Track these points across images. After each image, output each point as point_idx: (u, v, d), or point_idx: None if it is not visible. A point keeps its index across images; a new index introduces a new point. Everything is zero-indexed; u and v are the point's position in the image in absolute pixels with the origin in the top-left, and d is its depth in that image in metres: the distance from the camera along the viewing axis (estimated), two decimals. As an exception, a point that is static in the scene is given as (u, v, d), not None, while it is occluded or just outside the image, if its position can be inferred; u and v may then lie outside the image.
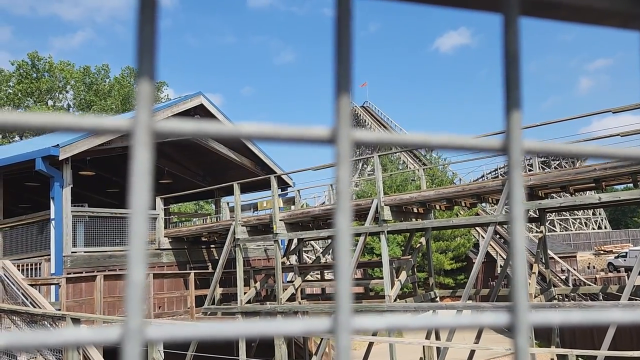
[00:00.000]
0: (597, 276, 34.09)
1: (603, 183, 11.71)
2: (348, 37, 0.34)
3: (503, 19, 0.41)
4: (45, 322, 10.95)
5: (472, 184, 15.60)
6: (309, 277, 16.48)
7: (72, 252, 14.66)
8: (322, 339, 13.67)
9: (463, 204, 14.73)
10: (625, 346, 13.12)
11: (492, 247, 32.12)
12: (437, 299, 15.18)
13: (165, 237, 17.39)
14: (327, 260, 17.59)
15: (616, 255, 40.15)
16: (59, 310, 12.06)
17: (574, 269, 34.24)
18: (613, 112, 10.42)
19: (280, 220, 14.59)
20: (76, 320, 9.92)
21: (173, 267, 17.34)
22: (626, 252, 37.93)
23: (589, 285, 27.74)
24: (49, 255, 14.50)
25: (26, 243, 15.56)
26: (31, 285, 12.86)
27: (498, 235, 32.89)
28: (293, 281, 15.08)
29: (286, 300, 14.32)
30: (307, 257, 30.94)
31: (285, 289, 14.51)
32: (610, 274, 35.26)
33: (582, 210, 52.90)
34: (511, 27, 0.40)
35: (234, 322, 0.32)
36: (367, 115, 75.79)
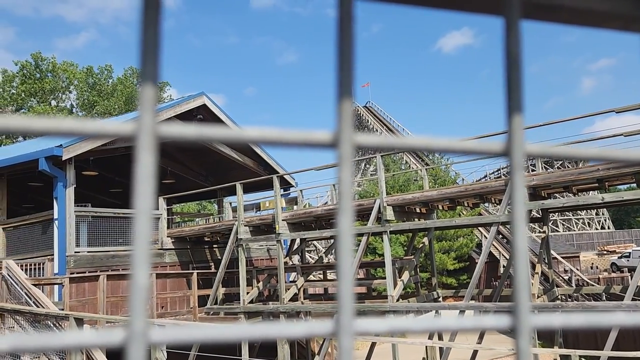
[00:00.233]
0: (600, 276, 34.00)
1: (606, 183, 11.68)
2: (350, 45, 0.34)
3: (504, 22, 0.41)
4: (49, 322, 10.99)
5: (475, 184, 15.58)
6: (311, 277, 16.48)
7: (75, 252, 14.69)
8: (324, 339, 13.67)
9: (466, 204, 14.71)
10: (628, 346, 13.08)
11: (495, 247, 32.07)
12: (440, 299, 15.17)
13: (168, 237, 17.42)
14: (330, 260, 17.60)
15: (619, 255, 40.04)
16: (62, 310, 12.09)
17: (577, 269, 34.17)
18: (616, 112, 10.39)
19: (282, 220, 14.60)
20: (79, 320, 9.95)
21: (176, 267, 17.36)
22: (629, 252, 37.84)
23: (592, 285, 27.68)
24: (52, 255, 14.54)
25: (29, 243, 15.61)
26: (34, 285, 12.89)
27: (501, 235, 32.83)
28: (295, 281, 15.08)
29: (289, 300, 14.32)
30: (310, 257, 30.93)
31: (288, 289, 14.51)
32: (613, 274, 35.17)
33: (585, 211, 52.77)
34: (512, 30, 0.40)
35: (238, 324, 0.32)
36: (370, 115, 75.75)
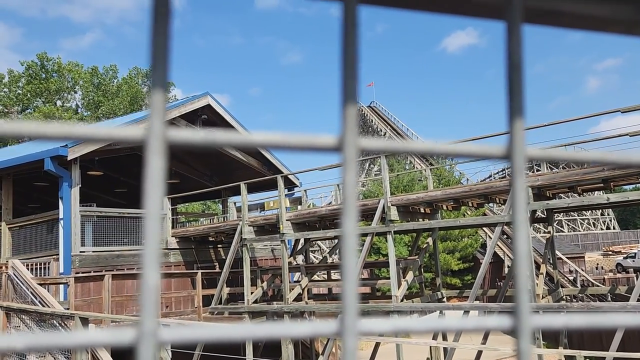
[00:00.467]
0: (606, 277, 33.89)
1: (611, 183, 11.64)
2: (354, 52, 0.35)
3: (506, 26, 0.42)
4: (54, 321, 11.04)
5: (480, 184, 15.56)
6: (315, 277, 16.49)
7: (80, 252, 14.75)
8: (328, 339, 13.68)
9: (470, 204, 14.69)
10: (634, 347, 13.03)
11: (500, 247, 32.00)
12: (444, 299, 15.15)
13: (172, 236, 17.47)
14: (334, 260, 17.61)
15: (625, 255, 39.88)
16: (68, 309, 12.15)
17: (582, 270, 34.06)
18: (622, 112, 10.35)
19: (287, 220, 14.61)
20: (84, 320, 9.99)
21: (180, 266, 17.41)
22: (635, 253, 37.67)
23: (597, 286, 27.58)
24: (58, 254, 14.61)
25: (35, 242, 15.68)
26: (40, 284, 12.96)
27: (505, 236, 32.75)
28: (300, 281, 15.10)
29: (293, 300, 14.34)
30: (314, 257, 30.95)
31: (292, 289, 14.53)
32: (618, 275, 35.05)
33: (590, 211, 52.57)
34: (514, 34, 0.41)
35: (244, 324, 0.33)
36: (374, 115, 75.70)
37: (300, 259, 17.73)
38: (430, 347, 13.44)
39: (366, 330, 0.34)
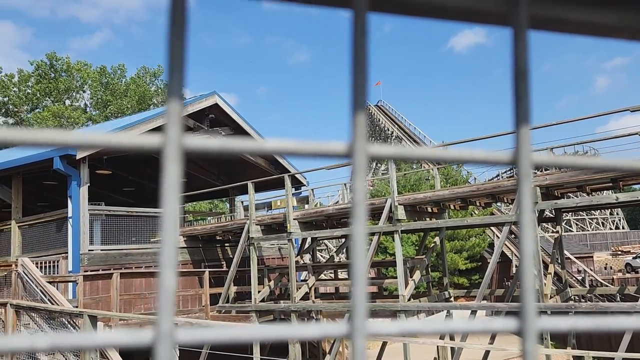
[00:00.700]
0: (615, 277, 33.64)
1: (620, 183, 11.56)
2: (363, 62, 0.36)
3: (512, 33, 0.43)
4: (63, 319, 11.13)
5: (487, 183, 15.49)
6: (322, 276, 16.51)
7: (89, 250, 14.86)
8: (335, 338, 13.69)
9: (478, 204, 14.63)
10: (643, 348, 12.93)
11: (507, 246, 31.86)
12: (452, 298, 15.12)
13: (180, 235, 17.54)
14: (341, 260, 17.62)
15: (634, 255, 39.56)
16: (77, 307, 12.24)
17: (591, 270, 33.84)
18: (631, 111, 10.27)
19: (294, 219, 14.63)
20: (93, 318, 10.06)
21: (188, 265, 17.49)
22: (644, 253, 37.36)
23: (606, 286, 27.39)
24: (67, 253, 14.72)
25: (44, 241, 15.82)
26: (49, 282, 13.06)
27: (513, 235, 32.60)
28: (307, 280, 15.11)
29: (300, 299, 14.36)
30: (321, 256, 30.97)
31: (299, 288, 14.55)
32: (627, 275, 34.78)
33: (599, 210, 52.20)
34: (520, 41, 0.41)
35: (255, 325, 0.34)
36: (381, 114, 75.56)
37: (307, 258, 17.75)
38: (438, 346, 13.41)
39: (374, 331, 0.35)
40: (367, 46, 0.38)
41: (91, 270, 14.48)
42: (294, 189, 17.89)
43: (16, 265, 13.64)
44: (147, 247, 16.41)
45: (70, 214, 14.85)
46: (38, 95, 46.39)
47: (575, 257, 33.78)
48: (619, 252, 44.39)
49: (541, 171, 11.44)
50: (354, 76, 0.37)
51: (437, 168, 18.09)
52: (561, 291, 13.83)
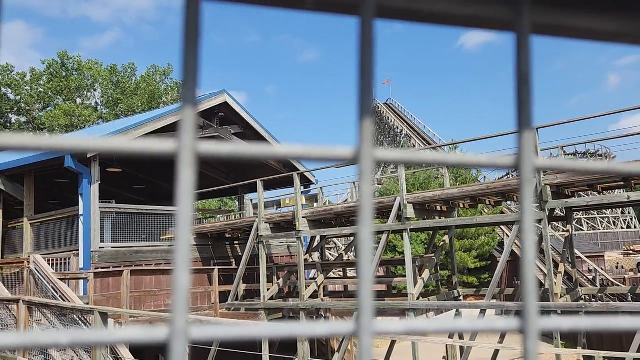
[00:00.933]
0: (626, 276, 33.34)
1: (632, 181, 11.46)
2: (370, 68, 0.37)
3: (515, 39, 0.44)
4: (74, 316, 11.25)
5: (497, 182, 15.42)
6: (331, 275, 16.53)
7: (99, 248, 14.99)
8: (344, 336, 13.72)
9: (487, 202, 14.57)
10: (654, 348, 12.80)
11: (517, 245, 31.66)
12: (461, 297, 15.08)
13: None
14: (350, 258, 17.63)
15: (646, 255, 39.17)
16: (87, 304, 12.36)
17: (602, 269, 33.56)
18: (643, 109, 10.17)
19: (303, 217, 14.66)
20: (104, 315, 10.16)
21: (197, 263, 17.58)
22: (657, 252, 36.99)
23: (618, 285, 27.16)
24: (78, 250, 14.86)
25: (56, 238, 15.98)
26: (61, 279, 13.21)
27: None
28: (315, 278, 15.15)
29: (309, 298, 14.39)
30: (330, 254, 30.99)
31: (308, 286, 14.59)
32: (639, 275, 34.45)
33: (610, 209, 51.74)
34: (523, 47, 0.42)
35: (266, 323, 0.36)
36: (390, 112, 75.39)
37: (316, 256, 17.78)
38: (447, 345, 13.39)
39: (381, 330, 0.36)
40: (374, 52, 0.39)
41: (102, 268, 14.61)
42: (303, 187, 17.92)
43: (28, 262, 13.80)
44: (157, 245, 16.53)
45: (81, 212, 14.99)
46: (50, 93, 46.80)
47: (586, 257, 33.51)
48: (631, 252, 43.97)
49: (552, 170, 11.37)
50: (360, 81, 0.38)
51: (447, 167, 17.98)
52: (572, 290, 13.74)
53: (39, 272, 13.42)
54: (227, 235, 18.58)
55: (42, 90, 46.78)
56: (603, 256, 37.65)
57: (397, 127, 71.05)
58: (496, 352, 13.06)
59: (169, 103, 46.24)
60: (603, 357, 8.90)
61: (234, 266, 17.59)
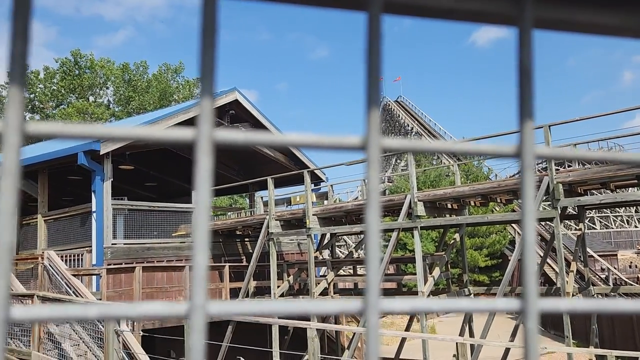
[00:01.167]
0: (639, 276, 33.01)
1: (646, 179, 11.34)
2: (377, 62, 0.39)
3: (518, 33, 0.45)
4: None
5: (508, 179, 15.35)
6: (341, 272, 16.56)
7: (112, 244, 15.15)
8: (354, 333, 13.74)
9: (499, 200, 14.50)
10: (668, 348, 12.69)
11: (529, 244, 31.41)
12: (471, 296, 15.02)
13: (200, 230, 17.72)
14: (360, 255, 17.64)
15: (660, 254, 38.74)
16: (100, 299, 12.51)
17: (615, 268, 33.25)
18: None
19: (313, 214, 14.70)
20: (116, 310, 10.26)
21: (208, 259, 17.68)
22: (671, 252, 36.55)
23: (631, 285, 26.90)
24: (91, 246, 15.03)
25: (69, 234, 16.17)
26: (74, 275, 13.37)
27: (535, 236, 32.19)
28: (326, 275, 15.19)
29: (319, 295, 14.44)
30: (340, 251, 31.03)
31: (318, 283, 14.63)
32: (653, 274, 34.08)
33: (623, 208, 51.20)
34: (525, 42, 0.44)
35: (281, 300, 0.38)
36: (401, 110, 75.17)
37: (326, 253, 17.82)
38: (457, 343, 13.34)
39: (387, 308, 0.38)
40: (381, 47, 0.41)
41: (114, 264, 14.77)
42: (313, 184, 17.95)
43: (42, 258, 13.98)
44: (169, 242, 16.67)
45: (94, 209, 15.15)
46: (63, 91, 47.28)
47: (598, 255, 33.23)
48: (645, 251, 43.48)
49: (564, 168, 11.29)
50: (368, 74, 0.40)
51: (457, 164, 17.96)
52: (584, 289, 13.65)
53: (52, 268, 13.59)
54: (238, 233, 18.68)
55: (55, 88, 47.28)
56: (616, 255, 37.29)
57: (408, 125, 70.83)
58: (507, 350, 13.01)
59: (180, 101, 46.48)
60: (615, 356, 8.83)
61: (244, 263, 17.68)
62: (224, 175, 21.89)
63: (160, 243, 16.37)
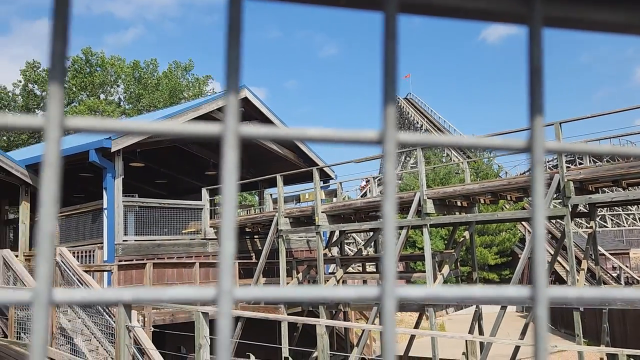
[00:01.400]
0: (652, 274, 32.69)
1: (658, 177, 11.23)
2: (394, 60, 0.41)
3: (528, 32, 0.47)
4: (99, 307, 11.50)
5: (519, 177, 15.25)
6: (350, 269, 16.58)
7: (123, 241, 15.28)
8: (363, 330, 13.76)
9: (508, 198, 14.43)
10: (680, 347, 12.56)
11: (539, 242, 31.22)
12: (481, 293, 14.98)
13: (210, 227, 17.84)
14: (369, 253, 17.64)
15: (673, 252, 38.34)
16: (112, 295, 12.59)
17: (627, 266, 32.96)
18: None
19: (322, 212, 14.73)
20: (127, 306, 10.36)
21: (218, 256, 17.78)
22: (684, 250, 36.16)
23: (643, 283, 26.66)
24: (102, 243, 15.17)
25: (81, 231, 16.33)
26: (86, 271, 13.50)
27: (545, 230, 31.98)
28: (334, 273, 15.21)
29: (328, 292, 14.46)
30: (349, 249, 31.04)
31: (327, 281, 14.66)
32: (665, 273, 33.72)
33: (635, 206, 50.67)
34: (535, 40, 0.46)
35: (294, 287, 0.40)
36: (410, 107, 74.95)
37: (335, 250, 17.84)
38: (466, 341, 13.32)
39: (403, 295, 0.40)
40: (397, 46, 0.43)
41: (125, 260, 14.90)
42: (322, 182, 17.97)
43: (54, 255, 14.13)
44: (179, 238, 16.78)
45: (105, 206, 15.29)
46: (74, 89, 47.66)
47: (610, 254, 32.95)
48: (657, 249, 43.03)
49: (575, 165, 11.21)
50: (385, 71, 0.42)
51: (467, 162, 17.88)
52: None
53: (64, 264, 13.74)
54: (247, 230, 18.75)
55: (66, 86, 47.26)
56: (628, 253, 36.97)
57: (417, 122, 70.62)
58: (517, 348, 12.97)
59: (190, 98, 46.67)
60: (627, 355, 8.77)
61: (253, 260, 17.76)
62: (233, 173, 21.94)
63: (171, 240, 16.49)
